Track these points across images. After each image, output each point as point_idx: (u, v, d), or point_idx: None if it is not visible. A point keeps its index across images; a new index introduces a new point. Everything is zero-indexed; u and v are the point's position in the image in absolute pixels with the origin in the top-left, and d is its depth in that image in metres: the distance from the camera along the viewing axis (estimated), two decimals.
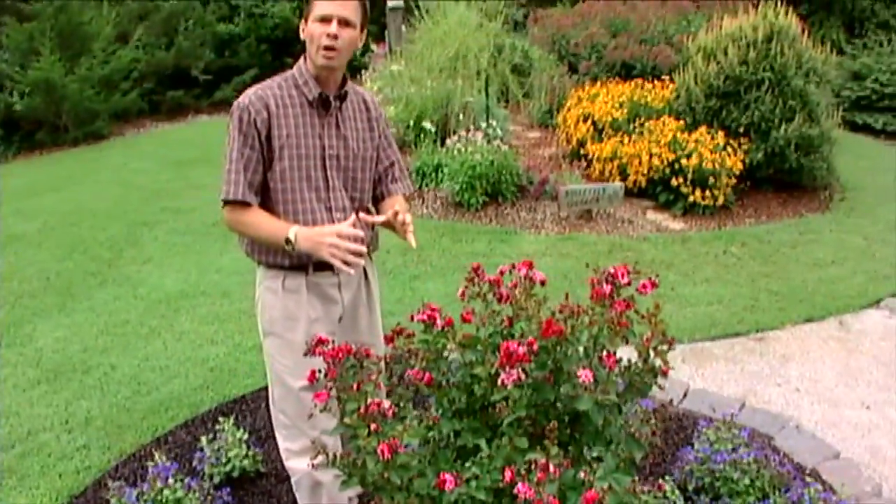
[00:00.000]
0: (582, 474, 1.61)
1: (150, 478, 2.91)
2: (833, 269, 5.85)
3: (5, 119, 11.11)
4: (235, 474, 3.16)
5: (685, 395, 4.01)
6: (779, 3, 7.88)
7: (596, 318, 1.82)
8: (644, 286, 1.88)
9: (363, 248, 2.27)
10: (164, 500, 2.81)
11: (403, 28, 11.83)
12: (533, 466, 1.60)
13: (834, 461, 3.42)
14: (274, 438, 3.44)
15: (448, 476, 1.66)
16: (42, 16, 11.41)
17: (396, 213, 2.36)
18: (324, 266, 2.43)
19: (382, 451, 1.69)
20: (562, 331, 1.77)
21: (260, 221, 2.38)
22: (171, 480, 2.87)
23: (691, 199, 7.03)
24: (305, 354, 1.94)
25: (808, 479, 3.08)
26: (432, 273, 5.77)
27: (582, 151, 8.11)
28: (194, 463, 3.22)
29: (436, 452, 1.89)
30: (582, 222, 6.91)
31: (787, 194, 7.70)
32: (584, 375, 1.70)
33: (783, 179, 7.67)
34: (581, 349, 1.84)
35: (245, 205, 2.38)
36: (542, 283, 2.05)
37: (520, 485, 1.56)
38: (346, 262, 2.24)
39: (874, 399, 4.07)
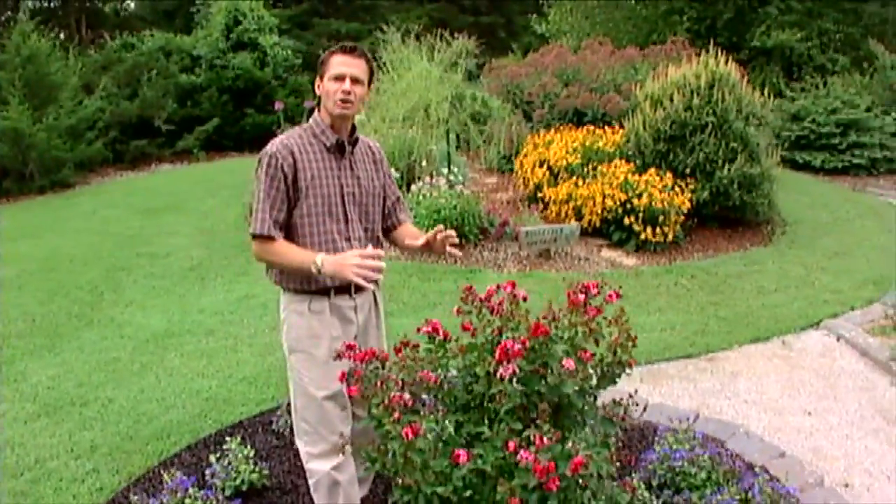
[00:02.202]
0: (570, 445, 1.98)
1: (169, 490, 3.18)
2: (776, 295, 6.34)
3: None
4: (244, 488, 3.44)
5: (645, 409, 4.42)
6: (719, 53, 8.50)
7: (574, 320, 2.21)
8: (610, 296, 2.28)
9: (382, 265, 2.65)
10: None
11: None
12: (532, 437, 1.96)
13: (780, 459, 3.82)
14: (276, 456, 3.78)
15: (461, 451, 2.01)
16: (9, 65, 11.68)
17: (437, 233, 2.78)
18: (342, 290, 2.82)
19: (406, 434, 2.03)
20: (548, 331, 2.15)
21: (287, 252, 2.74)
22: (191, 490, 3.15)
23: (643, 236, 7.52)
24: (334, 360, 2.29)
25: (757, 471, 3.47)
26: (405, 310, 6.09)
27: (539, 195, 8.55)
28: (206, 478, 3.49)
29: (446, 438, 2.24)
30: (541, 261, 7.33)
31: (732, 230, 8.25)
32: (568, 364, 2.08)
33: (728, 216, 8.22)
34: (562, 348, 2.22)
35: (271, 238, 2.73)
36: (525, 299, 2.45)
37: (522, 452, 1.92)
38: (367, 279, 2.62)
39: (815, 407, 4.50)
